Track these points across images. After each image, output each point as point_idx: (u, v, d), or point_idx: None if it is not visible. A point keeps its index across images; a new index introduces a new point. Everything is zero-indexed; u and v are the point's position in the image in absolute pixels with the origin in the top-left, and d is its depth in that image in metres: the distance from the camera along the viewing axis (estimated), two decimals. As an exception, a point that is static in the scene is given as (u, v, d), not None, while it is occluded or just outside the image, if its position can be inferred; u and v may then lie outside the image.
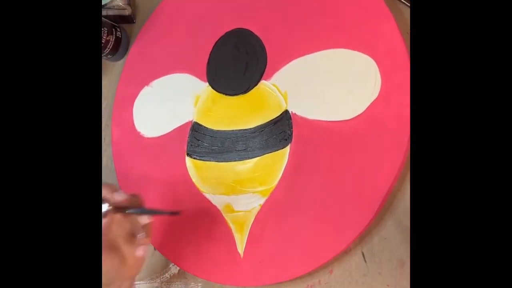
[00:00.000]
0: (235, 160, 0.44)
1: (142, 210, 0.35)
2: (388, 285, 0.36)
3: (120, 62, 0.57)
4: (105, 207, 0.30)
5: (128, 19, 0.56)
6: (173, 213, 0.37)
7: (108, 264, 0.31)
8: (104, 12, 0.54)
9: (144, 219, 0.35)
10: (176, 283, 0.46)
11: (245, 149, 0.44)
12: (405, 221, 0.37)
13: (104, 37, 0.51)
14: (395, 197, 0.38)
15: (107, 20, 0.53)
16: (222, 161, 0.45)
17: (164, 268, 0.47)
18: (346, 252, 0.38)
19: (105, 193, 0.32)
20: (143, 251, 0.34)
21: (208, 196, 0.45)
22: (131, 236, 0.33)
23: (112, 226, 0.31)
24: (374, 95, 0.38)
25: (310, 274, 0.39)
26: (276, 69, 0.44)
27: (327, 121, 0.40)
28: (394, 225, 0.37)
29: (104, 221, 0.31)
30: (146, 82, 0.52)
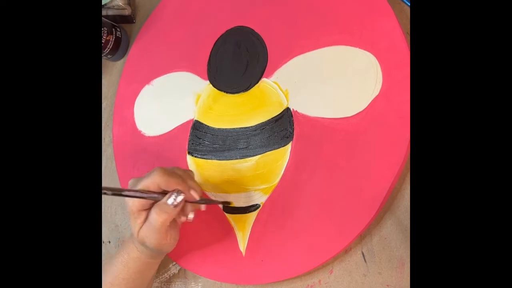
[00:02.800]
0: (236, 158, 0.44)
1: (202, 201, 0.38)
2: (388, 285, 0.36)
3: (120, 62, 0.57)
4: (180, 198, 0.34)
5: (128, 19, 0.56)
6: (225, 203, 0.41)
7: (173, 237, 0.37)
8: (104, 12, 0.54)
9: (202, 207, 0.39)
10: (176, 283, 0.46)
11: (246, 147, 0.44)
12: (405, 221, 0.36)
13: (104, 37, 0.51)
14: (395, 197, 0.37)
15: (107, 20, 0.53)
16: (224, 159, 0.45)
17: (164, 268, 0.47)
18: (346, 252, 0.38)
19: (184, 187, 0.35)
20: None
21: (210, 194, 0.45)
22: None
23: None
24: (376, 92, 0.38)
25: (310, 273, 0.39)
26: (277, 66, 0.44)
27: (328, 118, 0.40)
28: (394, 225, 0.37)
29: (177, 209, 0.35)
30: (147, 80, 0.52)
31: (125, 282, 0.39)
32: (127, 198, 0.35)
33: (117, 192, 0.33)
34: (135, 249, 0.39)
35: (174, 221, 0.37)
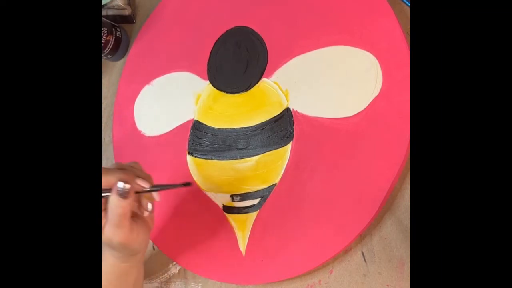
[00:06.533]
0: (236, 158, 0.44)
1: (158, 187, 0.37)
2: (388, 285, 0.36)
3: (120, 62, 0.57)
4: (127, 187, 0.33)
5: (128, 19, 0.56)
6: (185, 185, 0.38)
7: (142, 235, 0.36)
8: (104, 12, 0.54)
9: (155, 196, 0.38)
10: (176, 283, 0.46)
11: (246, 147, 0.44)
12: (405, 221, 0.37)
13: (104, 37, 0.51)
14: (395, 197, 0.37)
15: (107, 20, 0.53)
16: (224, 159, 0.45)
17: (164, 268, 0.47)
18: (346, 252, 0.38)
19: (127, 177, 0.34)
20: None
21: (210, 194, 0.45)
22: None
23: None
24: (376, 92, 0.38)
25: (310, 273, 0.39)
26: (277, 66, 0.44)
27: (328, 118, 0.40)
28: (394, 225, 0.37)
29: (129, 201, 0.34)
30: (147, 80, 0.52)
31: None
32: None
33: None
34: (110, 255, 0.37)
35: (138, 217, 0.37)
